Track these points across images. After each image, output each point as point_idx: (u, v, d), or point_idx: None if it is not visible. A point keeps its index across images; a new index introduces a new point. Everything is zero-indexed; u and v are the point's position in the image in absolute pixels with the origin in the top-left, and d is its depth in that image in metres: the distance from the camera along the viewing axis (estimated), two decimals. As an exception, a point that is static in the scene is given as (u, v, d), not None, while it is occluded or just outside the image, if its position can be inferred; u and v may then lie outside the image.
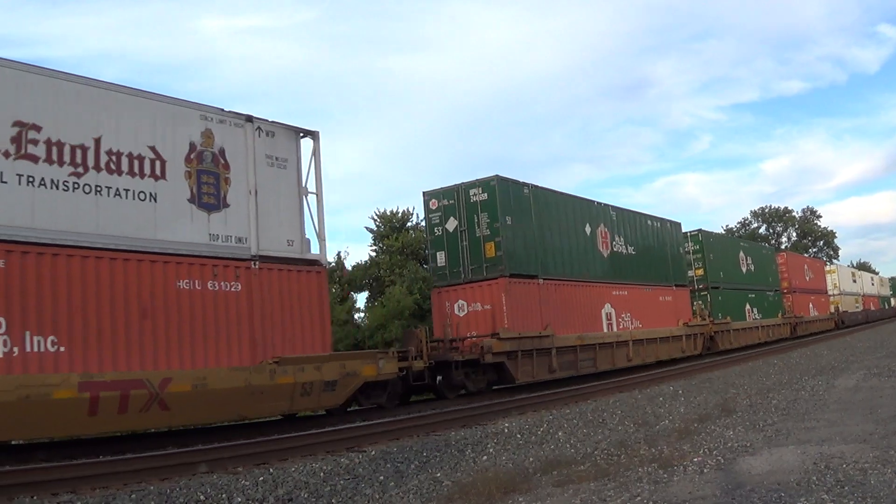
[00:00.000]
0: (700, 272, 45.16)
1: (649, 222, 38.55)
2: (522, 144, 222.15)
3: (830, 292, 75.64)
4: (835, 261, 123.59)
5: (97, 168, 15.47)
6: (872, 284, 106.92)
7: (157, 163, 16.58)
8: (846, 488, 8.44)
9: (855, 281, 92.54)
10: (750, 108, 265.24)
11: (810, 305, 66.13)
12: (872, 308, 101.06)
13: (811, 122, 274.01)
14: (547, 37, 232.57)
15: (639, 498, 8.95)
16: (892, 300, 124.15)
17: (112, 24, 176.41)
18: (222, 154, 17.90)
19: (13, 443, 14.41)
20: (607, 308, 32.08)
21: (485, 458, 13.24)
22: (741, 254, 52.31)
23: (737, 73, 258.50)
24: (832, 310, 73.93)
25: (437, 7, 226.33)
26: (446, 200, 27.13)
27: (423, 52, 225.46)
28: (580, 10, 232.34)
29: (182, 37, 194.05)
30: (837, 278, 78.68)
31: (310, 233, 19.64)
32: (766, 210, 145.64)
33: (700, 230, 46.67)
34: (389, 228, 42.83)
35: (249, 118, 18.61)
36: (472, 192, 26.61)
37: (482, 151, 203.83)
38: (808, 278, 67.83)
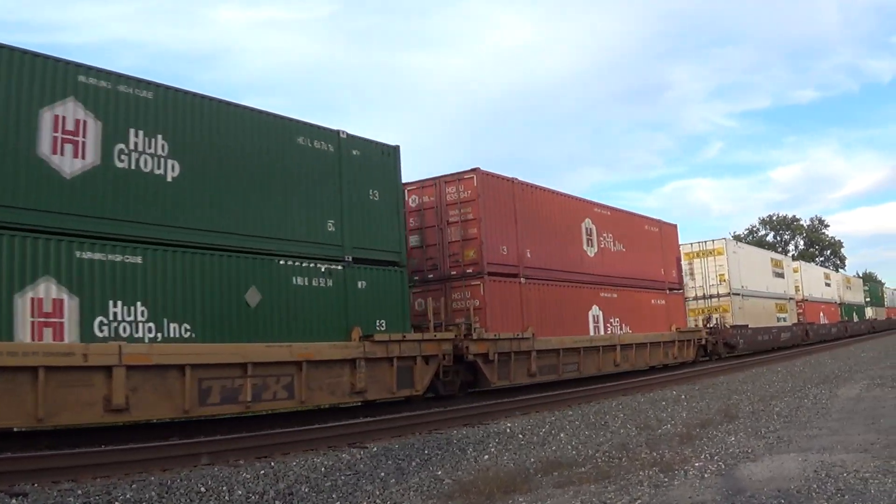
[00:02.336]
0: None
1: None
2: (536, 145, 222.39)
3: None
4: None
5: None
6: (828, 285, 74.49)
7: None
8: (846, 497, 8.45)
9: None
10: (762, 115, 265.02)
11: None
12: (826, 322, 69.55)
13: (823, 132, 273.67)
14: (563, 39, 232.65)
15: (639, 501, 8.97)
16: (868, 310, 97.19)
17: (130, 12, 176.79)
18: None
19: (15, 430, 14.42)
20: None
21: (486, 457, 13.25)
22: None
23: (751, 80, 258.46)
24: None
25: (454, 5, 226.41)
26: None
27: (440, 50, 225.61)
28: (597, 13, 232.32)
29: (200, 26, 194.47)
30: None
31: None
32: (774, 218, 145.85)
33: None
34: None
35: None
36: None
37: (496, 151, 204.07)
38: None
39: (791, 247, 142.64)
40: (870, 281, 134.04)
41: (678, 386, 26.53)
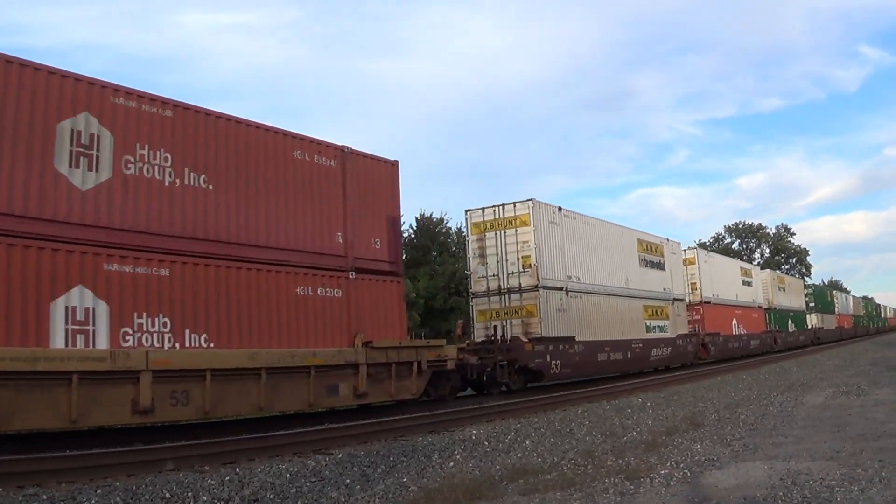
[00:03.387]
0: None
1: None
2: (502, 152, 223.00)
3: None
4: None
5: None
6: (748, 284, 58.20)
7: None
8: (813, 505, 8.45)
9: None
10: (728, 123, 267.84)
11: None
12: (743, 332, 54.14)
13: (789, 140, 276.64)
14: (530, 46, 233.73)
15: (605, 509, 8.93)
16: (812, 318, 78.78)
17: (95, 15, 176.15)
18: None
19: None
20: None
21: (451, 464, 13.18)
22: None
23: (717, 88, 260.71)
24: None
25: (420, 11, 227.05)
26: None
27: (406, 56, 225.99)
28: (563, 20, 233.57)
29: (165, 30, 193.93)
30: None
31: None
32: (740, 226, 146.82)
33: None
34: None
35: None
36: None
37: (462, 157, 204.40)
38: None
39: (756, 254, 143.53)
40: (836, 287, 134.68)
41: (644, 393, 26.53)
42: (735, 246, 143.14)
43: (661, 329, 39.84)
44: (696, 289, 47.52)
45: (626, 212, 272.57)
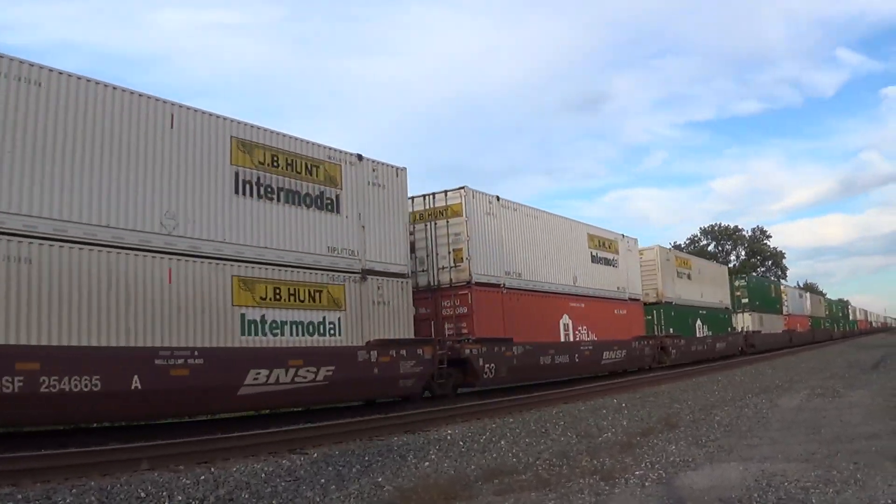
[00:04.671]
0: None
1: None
2: (481, 153, 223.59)
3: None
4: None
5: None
6: (610, 264, 38.24)
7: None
8: (787, 506, 8.46)
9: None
10: (705, 126, 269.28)
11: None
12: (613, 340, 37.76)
13: (765, 143, 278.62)
14: (509, 47, 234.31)
15: (580, 509, 8.92)
16: (743, 319, 63.71)
17: (74, 13, 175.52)
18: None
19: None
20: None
21: (427, 464, 13.15)
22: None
23: (694, 91, 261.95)
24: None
25: (401, 12, 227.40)
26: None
27: (386, 56, 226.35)
28: (543, 22, 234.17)
29: (143, 29, 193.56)
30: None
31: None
32: (716, 228, 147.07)
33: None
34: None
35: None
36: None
37: (441, 158, 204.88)
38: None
39: (732, 257, 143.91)
40: (812, 289, 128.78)
41: (619, 394, 26.56)
42: (711, 248, 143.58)
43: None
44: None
45: (603, 214, 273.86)
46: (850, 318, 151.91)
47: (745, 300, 65.86)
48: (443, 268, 27.38)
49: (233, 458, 13.89)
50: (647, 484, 10.25)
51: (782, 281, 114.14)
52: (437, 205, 27.93)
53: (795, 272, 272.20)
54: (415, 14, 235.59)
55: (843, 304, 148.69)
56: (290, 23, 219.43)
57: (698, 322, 49.82)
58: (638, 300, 41.23)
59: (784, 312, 78.94)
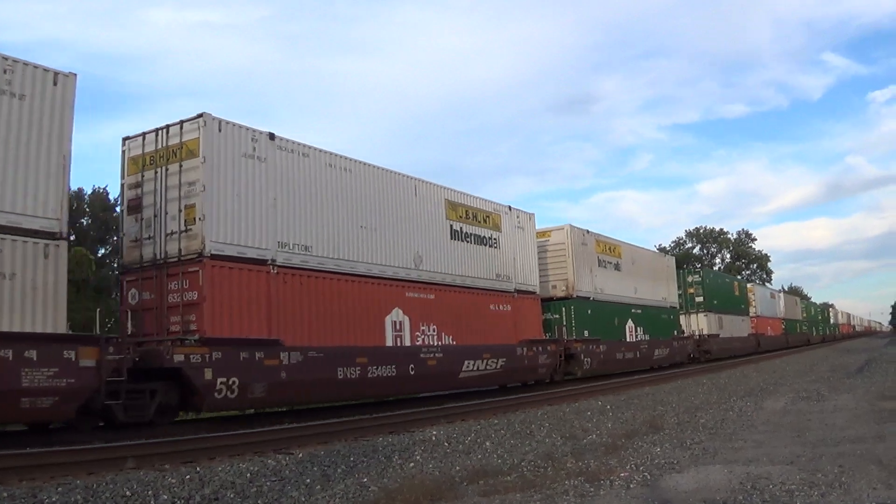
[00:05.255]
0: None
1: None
2: (469, 154, 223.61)
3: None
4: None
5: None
6: (487, 245, 30.42)
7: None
8: (772, 509, 8.47)
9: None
10: (691, 128, 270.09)
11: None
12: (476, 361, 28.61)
13: (751, 146, 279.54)
14: (498, 48, 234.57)
15: (565, 511, 8.92)
16: (698, 321, 56.29)
17: (64, 11, 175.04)
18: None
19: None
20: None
21: (412, 464, 13.16)
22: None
23: (681, 94, 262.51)
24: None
25: (389, 12, 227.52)
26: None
27: (374, 57, 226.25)
28: (532, 23, 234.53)
29: (132, 28, 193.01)
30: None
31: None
32: (702, 231, 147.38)
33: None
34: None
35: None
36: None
37: (429, 158, 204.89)
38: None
39: (717, 260, 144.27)
40: (797, 293, 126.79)
41: (604, 396, 26.62)
42: (696, 251, 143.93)
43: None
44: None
45: (589, 215, 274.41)
46: (831, 321, 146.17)
47: (700, 298, 57.23)
48: (171, 233, 19.53)
49: (218, 458, 13.90)
50: (632, 486, 10.25)
51: (766, 285, 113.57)
52: (170, 142, 19.96)
53: (780, 276, 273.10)
54: (403, 14, 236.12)
55: (824, 307, 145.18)
56: (278, 22, 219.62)
57: (629, 323, 41.98)
58: (532, 293, 32.72)
59: (751, 314, 71.69)
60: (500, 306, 30.49)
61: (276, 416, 19.96)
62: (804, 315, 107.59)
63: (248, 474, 12.25)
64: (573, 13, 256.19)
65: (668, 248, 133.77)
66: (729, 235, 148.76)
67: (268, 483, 11.61)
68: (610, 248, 41.58)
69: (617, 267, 41.98)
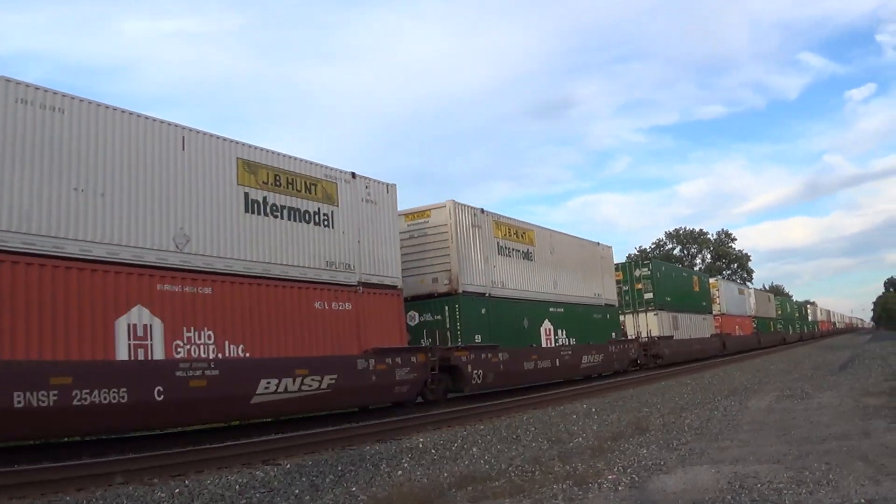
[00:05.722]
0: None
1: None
2: (446, 160, 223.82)
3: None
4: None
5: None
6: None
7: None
8: (761, 508, 8.51)
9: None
10: (670, 130, 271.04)
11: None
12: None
13: (729, 147, 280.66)
14: (474, 53, 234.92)
15: (554, 515, 8.94)
16: (639, 320, 50.17)
17: (40, 22, 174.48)
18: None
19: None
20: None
21: (399, 472, 13.14)
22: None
23: (658, 96, 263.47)
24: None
25: (365, 19, 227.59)
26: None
27: (350, 64, 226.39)
28: (507, 29, 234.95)
29: (107, 38, 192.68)
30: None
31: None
32: (682, 232, 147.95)
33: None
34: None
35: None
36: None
37: (406, 165, 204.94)
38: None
39: (698, 260, 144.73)
40: (778, 292, 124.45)
41: (589, 399, 26.64)
42: (677, 252, 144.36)
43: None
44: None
45: (569, 219, 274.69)
46: (810, 318, 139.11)
47: (650, 295, 50.41)
48: None
49: (206, 471, 13.85)
50: (620, 488, 10.28)
51: (745, 282, 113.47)
52: None
53: (761, 275, 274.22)
54: (378, 21, 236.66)
55: (801, 304, 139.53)
56: (252, 30, 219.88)
57: (546, 325, 34.44)
58: (394, 288, 25.47)
59: (715, 312, 65.47)
60: (335, 304, 23.06)
61: (263, 428, 19.91)
62: (779, 312, 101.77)
63: (238, 486, 12.22)
64: (549, 18, 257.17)
65: (648, 250, 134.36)
66: (709, 236, 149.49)
67: (257, 495, 11.58)
68: (517, 233, 33.66)
69: (527, 256, 33.95)
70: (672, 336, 50.60)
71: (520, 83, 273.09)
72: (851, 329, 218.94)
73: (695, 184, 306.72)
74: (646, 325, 49.66)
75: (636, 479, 10.87)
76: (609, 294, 42.81)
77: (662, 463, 12.08)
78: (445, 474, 12.55)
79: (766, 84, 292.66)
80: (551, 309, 34.99)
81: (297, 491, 11.79)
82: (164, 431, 18.89)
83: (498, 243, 31.73)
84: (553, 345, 34.40)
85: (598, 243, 42.62)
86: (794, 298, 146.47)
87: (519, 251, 33.27)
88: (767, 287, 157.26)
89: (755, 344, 75.93)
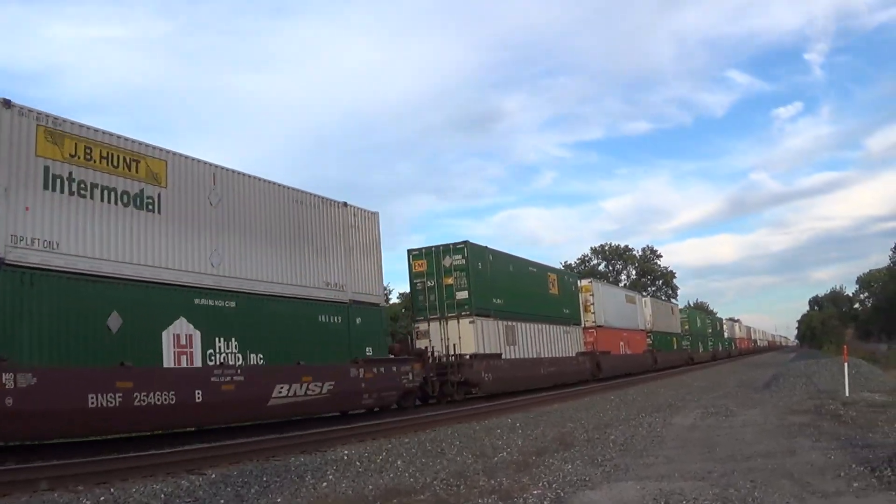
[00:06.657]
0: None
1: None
2: (370, 172, 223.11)
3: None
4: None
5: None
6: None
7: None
8: (686, 524, 8.53)
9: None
10: (595, 146, 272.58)
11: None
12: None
13: (655, 163, 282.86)
14: (401, 65, 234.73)
15: (480, 529, 8.92)
16: (446, 329, 35.15)
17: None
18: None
19: None
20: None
21: (325, 484, 13.04)
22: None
23: (584, 111, 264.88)
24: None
25: (292, 28, 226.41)
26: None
27: (276, 73, 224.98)
28: (433, 40, 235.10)
29: (32, 43, 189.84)
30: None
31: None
32: (607, 248, 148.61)
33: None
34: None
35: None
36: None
37: (329, 175, 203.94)
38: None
39: (623, 276, 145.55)
40: (701, 309, 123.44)
41: (513, 414, 26.66)
42: (602, 268, 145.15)
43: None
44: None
45: (492, 233, 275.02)
46: (726, 335, 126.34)
47: (464, 294, 35.85)
48: None
49: (131, 479, 13.74)
50: (545, 503, 10.28)
51: (654, 291, 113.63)
52: None
53: (686, 291, 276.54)
54: (305, 30, 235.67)
55: (715, 319, 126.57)
56: (179, 38, 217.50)
57: (183, 328, 20.24)
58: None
59: (588, 323, 51.74)
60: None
61: (186, 437, 19.74)
62: (685, 328, 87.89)
63: (163, 495, 12.12)
64: (475, 32, 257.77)
65: (573, 265, 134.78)
66: (634, 252, 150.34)
67: (182, 504, 11.49)
68: (116, 158, 19.22)
69: (144, 202, 19.78)
70: (500, 354, 37.49)
71: (446, 96, 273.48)
72: (775, 347, 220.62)
73: (620, 199, 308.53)
74: (457, 337, 35.30)
75: (561, 494, 10.86)
76: (368, 288, 28.95)
77: (587, 479, 12.08)
78: (371, 487, 12.48)
79: (693, 101, 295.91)
80: (201, 301, 21.14)
81: (222, 501, 11.70)
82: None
83: (50, 167, 17.43)
84: (194, 363, 20.40)
85: (347, 203, 28.66)
86: (719, 315, 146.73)
87: (120, 191, 19.06)
88: (692, 304, 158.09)
89: (648, 365, 63.11)
